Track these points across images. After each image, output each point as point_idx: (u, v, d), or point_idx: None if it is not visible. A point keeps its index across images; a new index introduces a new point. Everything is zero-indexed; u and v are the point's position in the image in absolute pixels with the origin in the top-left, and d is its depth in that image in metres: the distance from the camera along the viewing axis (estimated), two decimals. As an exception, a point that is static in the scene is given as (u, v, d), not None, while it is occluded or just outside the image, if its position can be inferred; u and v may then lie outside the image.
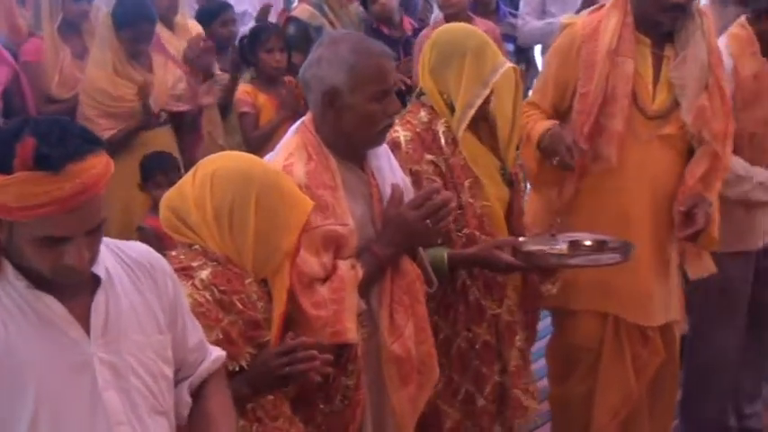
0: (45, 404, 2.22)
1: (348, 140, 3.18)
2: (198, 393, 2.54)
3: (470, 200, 3.54)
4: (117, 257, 2.38)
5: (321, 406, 3.09)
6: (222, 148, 5.41)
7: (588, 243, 3.59)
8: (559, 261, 3.57)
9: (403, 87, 5.39)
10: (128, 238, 2.57)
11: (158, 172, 4.94)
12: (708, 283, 4.46)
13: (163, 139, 5.39)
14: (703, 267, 4.15)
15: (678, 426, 4.89)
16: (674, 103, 3.92)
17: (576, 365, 4.13)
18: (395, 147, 3.46)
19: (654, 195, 3.97)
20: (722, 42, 4.34)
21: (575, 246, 3.56)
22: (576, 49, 3.90)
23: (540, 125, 3.88)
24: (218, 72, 5.88)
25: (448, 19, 5.68)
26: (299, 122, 3.28)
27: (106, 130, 5.24)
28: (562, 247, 3.56)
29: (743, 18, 4.45)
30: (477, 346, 3.60)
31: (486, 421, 3.65)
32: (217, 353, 2.60)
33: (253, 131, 5.52)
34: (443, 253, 3.45)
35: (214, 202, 2.77)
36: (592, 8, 4.14)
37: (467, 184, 3.54)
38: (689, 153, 3.98)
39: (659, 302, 4.09)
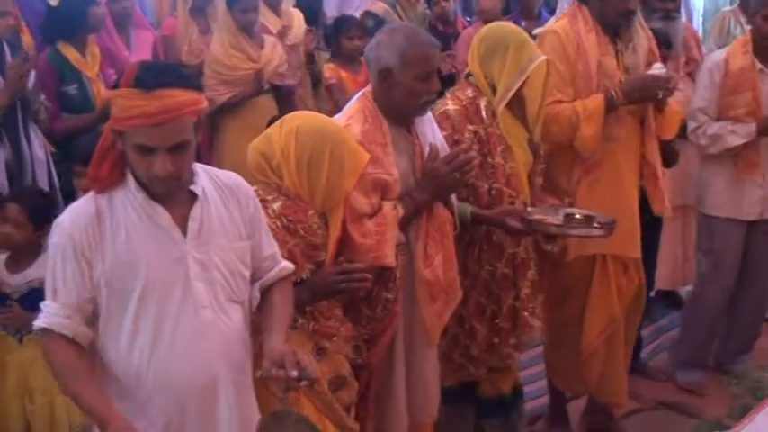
0: (152, 287, 2.32)
1: (396, 109, 3.17)
2: (266, 292, 2.58)
3: (501, 161, 3.51)
4: (212, 181, 2.47)
5: (366, 312, 3.09)
6: (310, 109, 5.44)
7: (579, 216, 3.57)
8: (557, 230, 3.56)
9: (454, 71, 5.34)
10: None
11: None
12: (707, 244, 4.60)
13: (266, 105, 5.35)
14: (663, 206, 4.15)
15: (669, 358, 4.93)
16: None
17: (568, 295, 4.10)
18: (446, 117, 3.45)
19: (634, 154, 3.98)
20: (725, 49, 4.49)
21: (569, 218, 3.55)
22: (568, 55, 3.84)
23: (593, 99, 3.81)
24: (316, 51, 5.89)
25: (485, 22, 5.54)
26: (361, 92, 3.27)
27: (222, 94, 5.28)
28: (559, 218, 3.54)
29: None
30: (497, 277, 3.59)
31: (504, 336, 3.63)
32: (285, 264, 2.63)
33: (340, 98, 5.44)
34: (467, 209, 3.44)
35: (297, 151, 2.79)
36: (554, 18, 4.12)
37: (499, 149, 3.50)
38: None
39: (639, 236, 4.08)
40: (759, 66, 4.36)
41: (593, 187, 3.90)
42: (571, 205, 3.79)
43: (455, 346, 3.61)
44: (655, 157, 4.02)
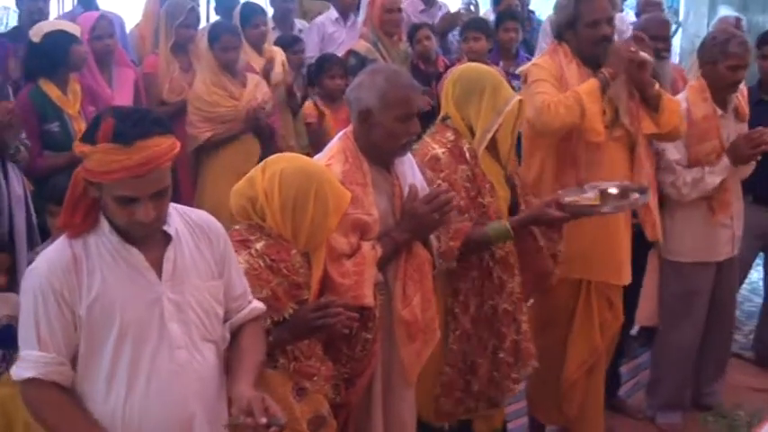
0: (127, 329, 2.31)
1: (377, 150, 3.19)
2: (236, 334, 2.58)
3: (491, 199, 3.54)
4: (183, 220, 2.47)
5: (345, 351, 3.09)
6: (291, 148, 5.47)
7: (614, 191, 3.59)
8: (598, 210, 3.56)
9: (429, 109, 5.37)
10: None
11: None
12: (676, 287, 4.59)
13: (248, 144, 5.34)
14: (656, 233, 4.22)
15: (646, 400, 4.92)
16: (615, 114, 4.00)
17: (552, 324, 4.13)
18: (436, 160, 3.46)
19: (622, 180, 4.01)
20: (682, 94, 4.51)
21: (605, 195, 3.56)
22: (554, 76, 3.94)
23: (587, 83, 3.89)
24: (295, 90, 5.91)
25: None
26: (342, 132, 3.29)
27: (204, 131, 5.28)
28: (594, 195, 3.56)
29: (699, 71, 4.52)
30: (499, 313, 3.61)
31: (506, 369, 3.66)
32: (256, 304, 2.63)
33: (318, 137, 5.50)
34: (505, 223, 3.46)
35: (282, 194, 2.80)
36: (538, 56, 4.24)
37: (487, 187, 3.54)
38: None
39: (628, 264, 4.13)
40: (720, 111, 4.42)
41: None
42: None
43: (456, 382, 3.61)
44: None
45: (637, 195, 3.64)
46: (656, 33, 4.99)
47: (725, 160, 4.35)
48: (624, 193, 3.59)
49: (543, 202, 3.55)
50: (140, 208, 2.25)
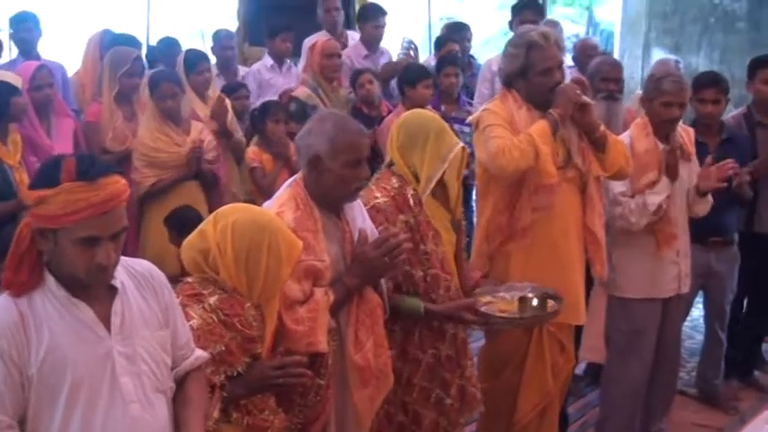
0: (79, 385, 2.29)
1: (327, 196, 3.20)
2: (181, 382, 2.56)
3: (434, 247, 3.56)
4: (127, 272, 2.46)
5: (298, 401, 3.07)
6: (235, 195, 5.48)
7: (531, 295, 3.66)
8: (510, 324, 3.63)
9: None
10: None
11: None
12: (623, 323, 4.63)
13: (191, 192, 5.34)
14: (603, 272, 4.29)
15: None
16: (568, 155, 4.03)
17: (504, 367, 4.14)
18: (377, 210, 3.47)
19: (573, 221, 4.07)
20: (628, 131, 4.60)
21: (523, 303, 3.63)
22: (506, 124, 3.95)
23: (537, 124, 3.91)
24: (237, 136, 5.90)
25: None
26: (292, 179, 3.30)
27: (147, 177, 5.26)
28: (511, 298, 3.64)
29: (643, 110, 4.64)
30: (442, 359, 3.63)
31: (454, 416, 3.67)
32: (200, 353, 2.62)
33: (262, 181, 5.54)
34: (420, 306, 3.49)
35: (234, 246, 2.77)
36: (488, 102, 4.23)
37: (431, 235, 3.56)
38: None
39: (583, 304, 4.19)
40: (662, 146, 4.52)
41: (528, 255, 3.98)
42: (502, 282, 3.87)
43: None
44: (595, 224, 4.12)
45: (552, 303, 3.73)
46: (608, 76, 5.08)
47: (664, 179, 4.43)
48: (543, 303, 3.66)
49: (461, 305, 3.57)
50: (101, 250, 2.24)
